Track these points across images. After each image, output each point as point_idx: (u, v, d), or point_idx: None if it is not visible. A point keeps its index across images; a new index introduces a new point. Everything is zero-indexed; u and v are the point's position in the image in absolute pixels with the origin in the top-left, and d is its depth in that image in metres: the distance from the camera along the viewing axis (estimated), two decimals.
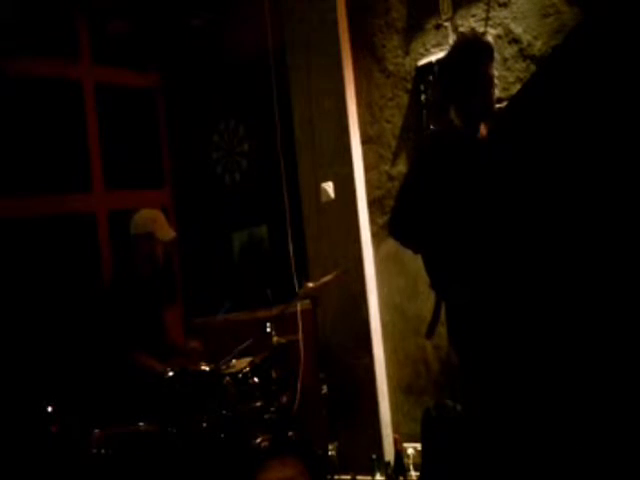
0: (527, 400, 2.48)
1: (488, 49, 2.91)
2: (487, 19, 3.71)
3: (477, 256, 2.70)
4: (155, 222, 3.92)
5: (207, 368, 3.57)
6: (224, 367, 3.67)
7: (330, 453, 3.94)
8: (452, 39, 3.82)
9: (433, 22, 3.93)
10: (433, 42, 3.93)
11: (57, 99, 4.81)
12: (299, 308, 4.29)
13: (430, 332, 3.06)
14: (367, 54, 4.22)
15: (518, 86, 3.54)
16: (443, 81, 2.99)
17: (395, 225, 3.07)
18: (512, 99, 3.08)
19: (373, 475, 3.99)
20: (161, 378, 3.43)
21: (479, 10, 3.74)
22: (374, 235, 4.23)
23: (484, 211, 2.69)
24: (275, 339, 3.83)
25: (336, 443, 3.99)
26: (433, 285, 2.97)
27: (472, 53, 2.86)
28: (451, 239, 2.79)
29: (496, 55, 3.07)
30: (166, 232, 3.94)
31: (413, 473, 3.90)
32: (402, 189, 3.17)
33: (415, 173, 3.06)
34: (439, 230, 2.83)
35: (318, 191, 4.36)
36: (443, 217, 2.81)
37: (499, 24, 3.67)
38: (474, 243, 2.71)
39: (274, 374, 3.72)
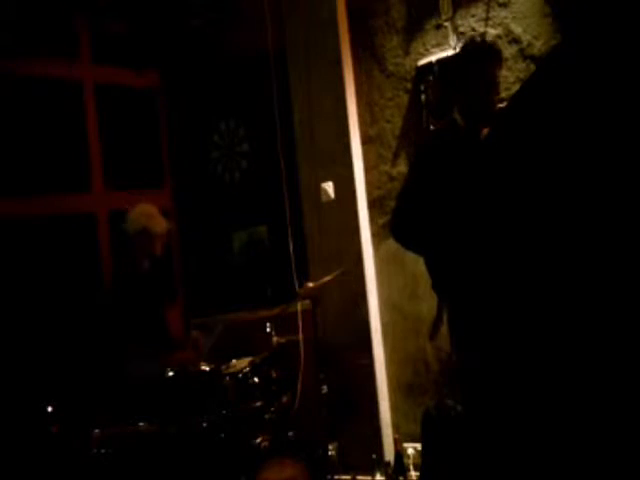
0: (528, 401, 2.48)
1: (497, 54, 2.93)
2: (487, 19, 3.71)
3: (479, 257, 2.70)
4: (149, 217, 3.95)
5: (207, 368, 3.57)
6: (224, 367, 3.67)
7: (330, 453, 3.94)
8: (452, 39, 3.83)
9: (433, 22, 3.93)
10: (433, 42, 3.93)
11: (57, 99, 4.80)
12: (299, 308, 4.29)
13: (433, 334, 3.06)
14: (367, 54, 4.22)
15: (518, 86, 3.54)
16: (449, 81, 3.00)
17: (396, 226, 3.06)
18: (511, 99, 3.07)
19: (373, 475, 3.99)
20: (164, 375, 3.43)
21: (479, 10, 3.75)
22: (374, 235, 4.23)
23: (485, 211, 2.68)
24: (275, 339, 3.84)
25: (336, 443, 3.99)
26: (435, 286, 2.97)
27: (483, 56, 2.87)
28: (453, 239, 2.79)
29: None
30: (160, 225, 3.97)
31: (413, 473, 3.90)
32: (403, 190, 3.17)
33: (416, 174, 3.06)
34: (441, 230, 2.83)
35: (318, 191, 4.36)
36: (444, 217, 2.81)
37: (499, 24, 3.67)
38: (476, 243, 2.71)
39: (274, 374, 3.72)
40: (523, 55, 3.60)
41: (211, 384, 3.52)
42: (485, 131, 2.85)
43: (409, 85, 4.03)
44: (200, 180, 5.34)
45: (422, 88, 3.96)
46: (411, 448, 3.95)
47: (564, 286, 2.20)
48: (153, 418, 3.37)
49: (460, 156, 2.82)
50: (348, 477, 4.04)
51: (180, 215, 5.33)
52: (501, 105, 3.03)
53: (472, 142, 2.85)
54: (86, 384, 4.16)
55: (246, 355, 3.82)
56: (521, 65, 3.61)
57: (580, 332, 2.19)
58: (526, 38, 3.58)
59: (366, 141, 4.25)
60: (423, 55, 3.97)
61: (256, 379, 3.64)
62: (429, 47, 3.94)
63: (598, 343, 2.15)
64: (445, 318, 3.00)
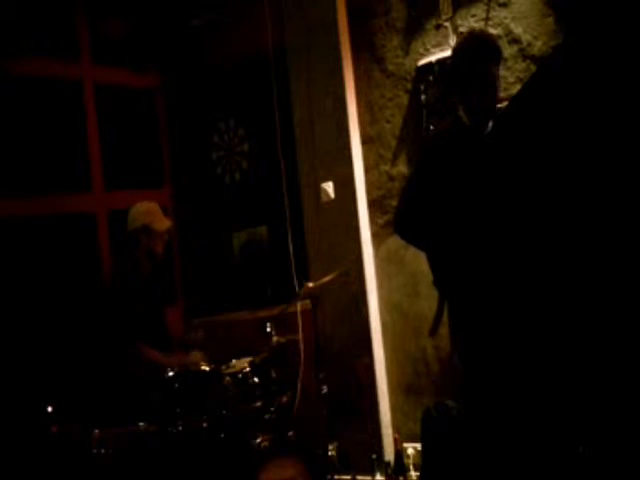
0: (528, 400, 2.48)
1: (497, 48, 2.93)
2: (487, 19, 3.71)
3: (482, 252, 2.70)
4: (150, 214, 3.93)
5: (207, 368, 3.57)
6: (224, 367, 3.67)
7: (330, 453, 3.94)
8: (452, 39, 3.83)
9: (433, 22, 3.93)
10: (433, 42, 3.93)
11: (57, 99, 4.80)
12: (299, 308, 4.29)
13: (434, 330, 3.07)
14: (367, 54, 4.22)
15: (518, 86, 3.54)
16: (452, 79, 3.01)
17: (399, 220, 3.08)
18: (513, 99, 3.08)
19: (373, 475, 3.99)
20: (164, 372, 3.43)
21: (479, 10, 3.75)
22: (374, 235, 4.23)
23: (487, 209, 2.69)
24: (275, 339, 3.84)
25: (336, 443, 3.99)
26: (436, 282, 2.98)
27: (482, 51, 2.87)
28: (456, 235, 2.79)
29: None
30: (162, 222, 3.96)
31: (413, 473, 3.90)
32: (406, 186, 3.18)
33: (419, 171, 3.06)
34: (443, 226, 2.83)
35: (318, 191, 4.36)
36: (447, 214, 2.82)
37: (499, 24, 3.67)
38: (477, 241, 2.72)
39: (274, 374, 3.72)
40: (523, 55, 3.60)
41: (211, 384, 3.52)
42: (489, 130, 2.86)
43: (409, 85, 4.03)
44: (200, 180, 5.34)
45: (422, 88, 3.96)
46: (411, 448, 3.95)
47: (565, 283, 2.21)
48: (153, 418, 3.37)
49: (465, 153, 2.82)
50: (348, 477, 4.04)
51: (180, 215, 5.32)
52: (502, 105, 3.03)
53: (477, 140, 2.85)
54: (86, 384, 4.16)
55: (246, 355, 3.82)
56: (521, 65, 3.61)
57: (580, 330, 2.19)
58: (526, 38, 3.58)
59: (366, 141, 4.25)
60: (423, 55, 3.97)
61: (256, 379, 3.64)
62: (429, 47, 3.94)
63: (598, 343, 2.15)
64: (446, 315, 3.00)
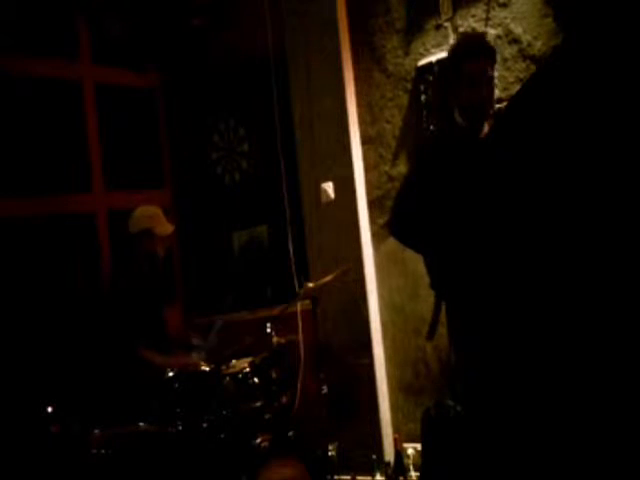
0: (527, 400, 2.48)
1: (484, 45, 2.91)
2: (487, 19, 3.71)
3: (477, 256, 2.70)
4: (153, 218, 3.93)
5: (207, 368, 3.58)
6: (224, 367, 3.67)
7: (330, 453, 3.94)
8: (452, 39, 3.83)
9: (433, 22, 3.93)
10: (433, 42, 3.93)
11: (57, 99, 4.80)
12: (299, 308, 4.29)
13: (431, 334, 3.06)
14: (367, 54, 4.22)
15: (518, 86, 3.54)
16: (444, 82, 3.00)
17: (395, 224, 3.07)
18: (512, 99, 3.08)
19: (373, 475, 3.99)
20: (164, 375, 3.43)
21: (479, 10, 3.75)
22: (374, 235, 4.23)
23: (484, 211, 2.68)
24: (275, 339, 3.84)
25: (336, 443, 3.99)
26: (433, 285, 2.97)
27: (468, 48, 2.86)
28: (452, 238, 2.79)
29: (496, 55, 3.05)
30: (165, 227, 3.96)
31: (413, 473, 3.90)
32: (402, 188, 3.17)
33: (416, 172, 3.06)
34: (439, 230, 2.83)
35: (318, 191, 4.36)
36: (443, 217, 2.81)
37: (499, 24, 3.67)
38: (474, 243, 2.71)
39: (274, 374, 3.72)
40: (523, 55, 3.60)
41: (211, 384, 3.52)
42: (487, 130, 2.85)
43: (409, 85, 4.03)
44: (200, 180, 5.34)
45: (422, 88, 3.96)
46: (411, 448, 3.94)
47: (563, 285, 2.20)
48: (153, 418, 3.37)
49: (461, 154, 2.82)
50: (348, 477, 4.04)
51: (180, 215, 5.32)
52: (501, 105, 3.02)
53: (472, 142, 2.85)
54: (86, 384, 4.16)
55: (246, 355, 3.83)
56: (521, 65, 3.61)
57: (579, 329, 2.19)
58: (526, 38, 3.58)
59: (366, 141, 4.25)
60: (423, 55, 3.97)
61: (256, 379, 3.64)
62: (429, 47, 3.94)
63: (597, 342, 2.15)
64: (443, 317, 3.00)
